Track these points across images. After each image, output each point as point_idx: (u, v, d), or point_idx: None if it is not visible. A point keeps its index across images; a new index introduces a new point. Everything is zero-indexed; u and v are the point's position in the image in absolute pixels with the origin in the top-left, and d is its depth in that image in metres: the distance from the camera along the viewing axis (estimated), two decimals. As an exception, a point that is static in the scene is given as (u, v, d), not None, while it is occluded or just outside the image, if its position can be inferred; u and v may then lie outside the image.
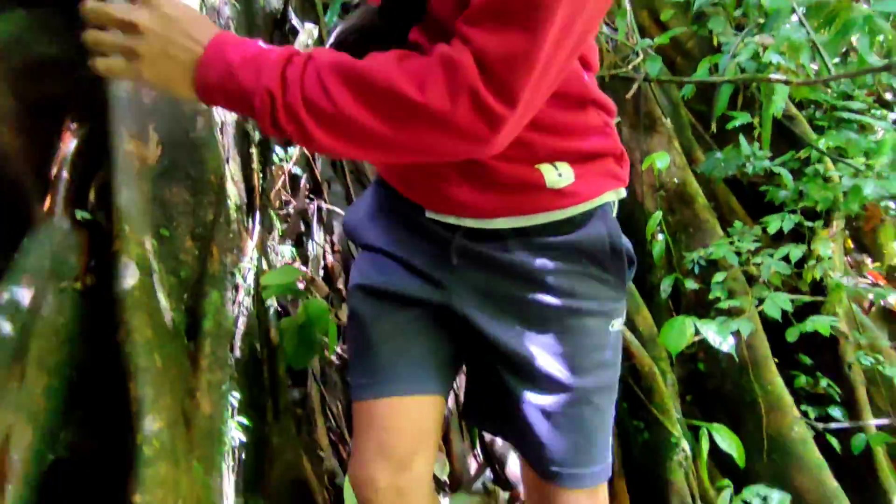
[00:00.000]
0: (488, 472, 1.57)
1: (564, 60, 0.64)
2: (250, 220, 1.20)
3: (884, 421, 1.85)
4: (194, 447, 0.83)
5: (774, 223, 1.89)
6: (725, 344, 1.63)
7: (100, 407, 0.84)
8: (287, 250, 1.65)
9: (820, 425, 1.82)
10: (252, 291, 1.11)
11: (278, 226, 1.56)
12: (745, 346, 1.78)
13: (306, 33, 1.71)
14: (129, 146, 0.91)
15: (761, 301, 1.77)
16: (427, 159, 0.71)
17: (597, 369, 0.87)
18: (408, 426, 0.88)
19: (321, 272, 1.76)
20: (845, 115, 2.10)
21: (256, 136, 1.29)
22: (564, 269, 0.83)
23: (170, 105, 0.99)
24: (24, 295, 0.82)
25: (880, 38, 1.95)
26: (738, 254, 1.86)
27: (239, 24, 1.31)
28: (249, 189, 1.21)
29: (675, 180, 2.01)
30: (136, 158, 0.91)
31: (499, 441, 1.67)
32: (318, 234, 1.80)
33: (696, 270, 1.91)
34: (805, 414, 1.84)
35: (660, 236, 1.94)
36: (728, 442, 1.63)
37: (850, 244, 2.44)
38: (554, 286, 0.83)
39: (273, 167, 1.74)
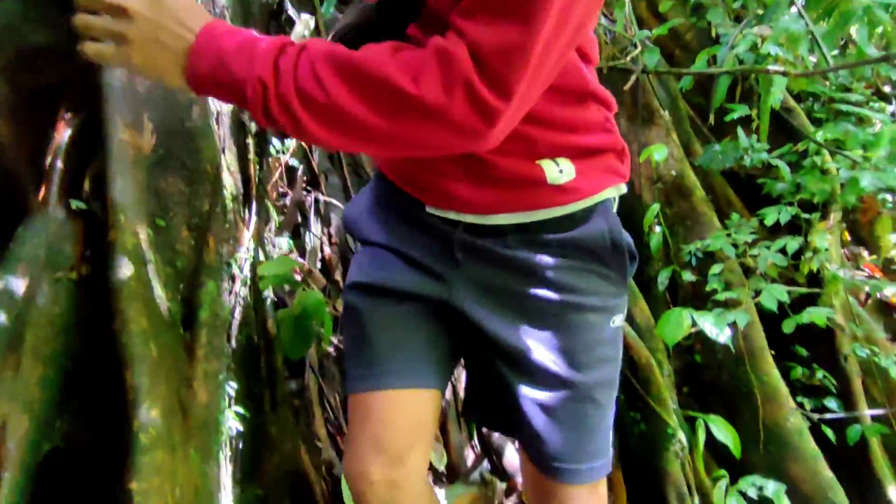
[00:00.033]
0: (485, 463, 1.58)
1: (561, 53, 0.63)
2: (247, 210, 1.19)
3: (879, 411, 1.86)
4: (191, 436, 0.83)
5: (771, 215, 1.89)
6: (722, 335, 1.63)
7: (96, 397, 0.84)
8: (284, 242, 1.64)
9: (815, 416, 1.83)
10: (249, 282, 1.11)
11: (275, 217, 1.55)
12: (741, 338, 1.78)
13: (303, 24, 1.70)
14: (124, 135, 0.91)
15: (758, 293, 1.77)
16: (422, 153, 0.70)
17: (597, 365, 0.87)
18: (403, 420, 0.87)
19: (318, 264, 1.76)
20: (843, 107, 2.10)
21: (253, 126, 1.28)
22: (565, 264, 0.82)
23: (164, 94, 0.99)
24: (19, 285, 0.82)
25: (879, 29, 1.95)
26: (735, 246, 1.86)
27: (235, 14, 1.30)
28: (246, 179, 1.21)
29: (673, 173, 2.01)
30: (131, 147, 0.91)
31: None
32: (316, 226, 1.79)
33: (694, 262, 1.91)
34: (801, 405, 1.85)
35: (657, 228, 1.94)
36: (724, 433, 1.63)
37: (847, 236, 2.45)
38: (555, 282, 0.83)
39: (270, 158, 1.73)
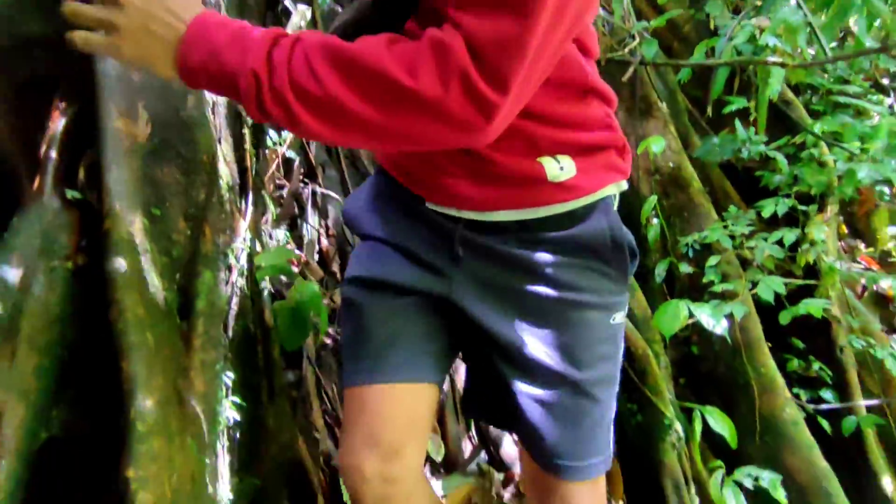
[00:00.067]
0: (483, 454, 1.58)
1: (558, 44, 0.62)
2: (243, 201, 1.19)
3: (874, 402, 1.87)
4: (188, 425, 0.83)
5: (769, 207, 1.89)
6: (719, 327, 1.64)
7: (92, 387, 0.84)
8: (281, 234, 1.64)
9: (811, 407, 1.84)
10: (245, 273, 1.10)
11: (272, 209, 1.55)
12: (738, 329, 1.79)
13: (299, 15, 1.69)
14: (119, 124, 0.90)
15: (755, 284, 1.78)
16: (418, 147, 0.69)
17: (597, 362, 0.86)
18: (399, 414, 0.87)
19: (316, 256, 1.76)
20: (842, 99, 2.10)
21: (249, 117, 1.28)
22: (566, 262, 0.82)
23: (160, 83, 0.98)
24: (15, 274, 0.82)
25: (877, 22, 1.94)
26: (732, 238, 1.86)
27: (230, 4, 1.30)
28: (242, 170, 1.21)
29: (671, 164, 2.01)
30: (126, 136, 0.91)
31: (493, 424, 1.68)
32: (313, 218, 1.79)
33: (691, 254, 1.92)
34: (797, 396, 1.86)
35: (654, 220, 1.95)
36: (720, 424, 1.64)
37: (844, 229, 2.45)
38: (555, 279, 0.82)
39: (267, 150, 1.73)
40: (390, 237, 0.90)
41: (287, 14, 1.76)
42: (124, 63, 0.74)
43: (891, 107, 2.37)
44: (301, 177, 1.80)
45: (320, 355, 1.57)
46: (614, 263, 0.84)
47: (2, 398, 0.73)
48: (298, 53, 0.61)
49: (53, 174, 0.91)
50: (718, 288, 1.82)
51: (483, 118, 0.60)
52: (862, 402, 1.86)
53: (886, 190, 2.41)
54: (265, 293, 1.23)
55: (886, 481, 1.83)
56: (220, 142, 1.11)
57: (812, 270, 1.96)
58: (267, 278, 1.24)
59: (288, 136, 1.84)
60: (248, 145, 1.24)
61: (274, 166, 1.73)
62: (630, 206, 1.99)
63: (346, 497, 1.04)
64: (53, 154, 0.93)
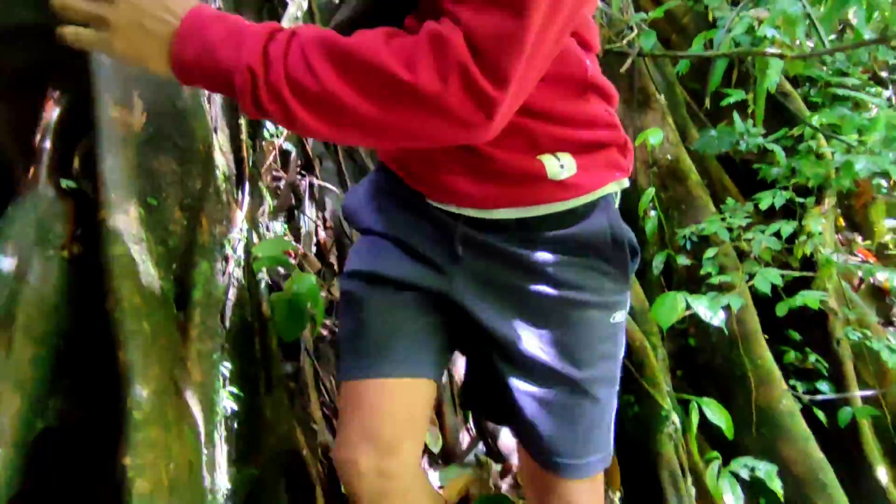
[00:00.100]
0: (481, 445, 1.59)
1: (556, 38, 0.62)
2: (240, 191, 1.19)
3: (869, 392, 1.88)
4: (185, 415, 0.83)
5: (766, 199, 1.90)
6: (716, 318, 1.64)
7: (89, 376, 0.84)
8: (278, 226, 1.64)
9: (807, 398, 1.85)
10: (242, 263, 1.10)
11: (269, 201, 1.54)
12: (735, 321, 1.80)
13: (295, 5, 1.68)
14: (114, 113, 0.89)
15: (752, 276, 1.78)
16: (418, 144, 0.68)
17: (597, 361, 0.86)
18: (396, 409, 0.86)
19: (313, 248, 1.76)
20: (840, 91, 2.09)
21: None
22: (566, 261, 0.82)
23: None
24: (9, 263, 0.81)
25: (876, 14, 1.94)
26: (730, 230, 1.87)
27: (226, -5, 1.29)
28: (238, 161, 1.20)
29: (669, 157, 2.01)
30: (121, 125, 0.90)
31: (491, 415, 1.68)
32: (310, 210, 1.79)
33: (688, 247, 1.92)
34: (793, 388, 1.87)
35: (652, 213, 1.95)
36: (717, 415, 1.65)
37: (842, 222, 2.46)
38: (555, 278, 0.82)
39: (264, 142, 1.72)
40: (390, 232, 0.89)
41: (284, 4, 1.75)
42: (116, 59, 0.72)
43: (889, 99, 2.37)
44: (298, 169, 1.79)
45: (318, 347, 1.57)
46: (614, 262, 0.84)
47: (-2, 387, 0.72)
48: (295, 48, 0.60)
49: (48, 163, 0.90)
50: (716, 280, 1.82)
51: (483, 114, 0.59)
52: (857, 393, 1.87)
53: (884, 182, 2.41)
54: (262, 284, 1.22)
55: (882, 472, 1.84)
56: (216, 132, 1.10)
57: (809, 262, 1.96)
58: (264, 270, 1.24)
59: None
60: (244, 136, 1.24)
61: (271, 158, 1.72)
62: (628, 198, 1.98)
63: (344, 489, 1.04)
64: (48, 143, 0.92)
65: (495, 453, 1.59)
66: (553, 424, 0.87)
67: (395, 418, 0.86)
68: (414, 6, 0.69)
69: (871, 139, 1.89)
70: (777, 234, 1.86)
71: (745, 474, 1.63)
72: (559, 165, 0.77)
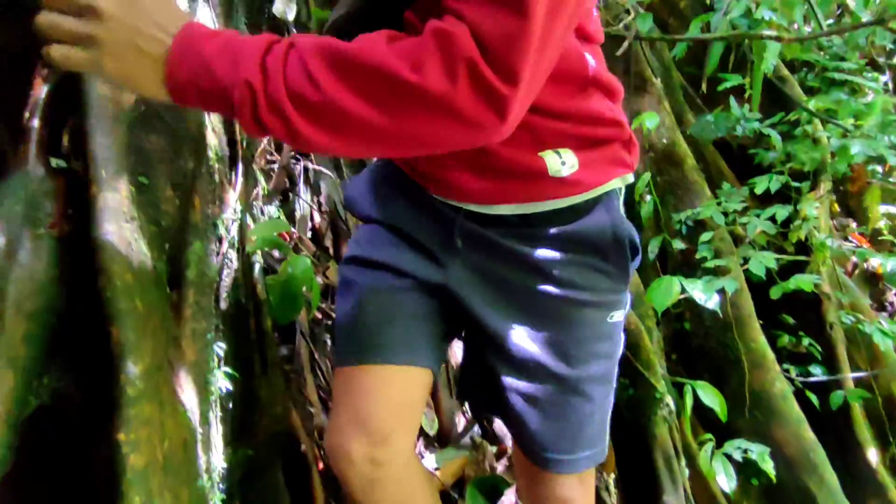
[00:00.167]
0: (476, 428, 1.60)
1: (564, 31, 0.60)
2: (233, 173, 1.18)
3: (861, 374, 1.90)
4: (179, 393, 0.83)
5: (762, 184, 1.90)
6: (711, 302, 1.65)
7: (83, 355, 0.84)
8: (273, 210, 1.63)
9: (799, 380, 1.87)
10: (236, 244, 1.10)
11: (263, 184, 1.54)
12: (729, 305, 1.81)
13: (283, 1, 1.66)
14: (104, 90, 0.88)
15: (747, 261, 1.79)
16: (430, 150, 0.64)
17: (590, 360, 0.85)
18: (390, 397, 0.85)
19: (308, 233, 1.75)
20: (837, 76, 2.09)
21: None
22: (565, 259, 0.81)
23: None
24: None
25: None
26: (725, 214, 1.87)
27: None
28: (231, 142, 1.19)
29: (665, 141, 2.01)
30: (111, 103, 0.88)
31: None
32: (305, 194, 1.78)
33: (684, 231, 1.93)
34: (787, 372, 1.89)
35: (648, 197, 1.95)
36: (711, 398, 1.66)
37: (836, 208, 2.47)
38: (553, 276, 0.81)
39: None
40: (391, 221, 0.88)
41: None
42: (108, 81, 0.68)
43: (886, 84, 2.37)
44: (292, 152, 1.78)
45: (314, 331, 1.57)
46: (614, 261, 0.83)
47: (-11, 365, 0.72)
48: (293, 58, 0.57)
49: (37, 141, 0.89)
50: (711, 264, 1.83)
51: (495, 113, 0.57)
52: (849, 375, 1.89)
53: (879, 168, 2.42)
54: (257, 267, 1.22)
55: (872, 453, 1.87)
56: (208, 112, 1.09)
57: (804, 247, 1.97)
58: (259, 253, 1.23)
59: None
60: (237, 117, 1.22)
61: (265, 141, 1.71)
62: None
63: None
64: (36, 122, 0.90)
65: (491, 436, 1.60)
66: (542, 420, 0.87)
67: (388, 406, 0.85)
68: (412, 0, 0.67)
69: (867, 124, 1.89)
70: (772, 219, 1.87)
71: (738, 456, 1.65)
72: (561, 162, 0.76)
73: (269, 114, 0.57)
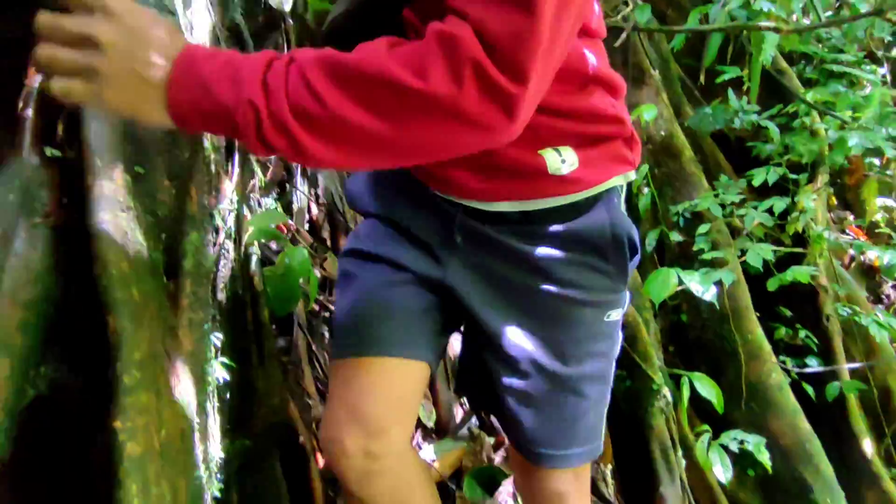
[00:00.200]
0: (474, 419, 1.60)
1: (571, 27, 0.59)
2: (229, 164, 1.17)
3: (856, 365, 1.91)
4: (176, 382, 0.82)
5: (759, 176, 1.90)
6: (708, 293, 1.66)
7: (80, 345, 0.83)
8: (270, 202, 1.63)
9: (795, 371, 1.88)
10: (233, 235, 1.09)
11: (260, 176, 1.53)
12: (726, 297, 1.81)
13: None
14: (98, 79, 0.88)
15: (744, 252, 1.80)
16: (439, 157, 0.63)
17: (586, 358, 0.85)
18: (386, 390, 0.84)
19: (306, 225, 1.75)
20: (835, 67, 2.09)
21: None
22: (563, 257, 0.81)
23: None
24: (-5, 231, 0.80)
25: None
26: (723, 206, 1.87)
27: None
28: (228, 132, 1.18)
29: (662, 133, 2.01)
30: (106, 91, 0.88)
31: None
32: (303, 186, 1.77)
33: (681, 223, 1.93)
34: (783, 364, 1.89)
35: (645, 189, 1.95)
36: (708, 389, 1.67)
37: (834, 201, 2.47)
38: (551, 274, 0.81)
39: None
40: (391, 216, 0.88)
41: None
42: (110, 111, 0.66)
43: (883, 77, 2.37)
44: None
45: (311, 323, 1.57)
46: (613, 260, 0.82)
47: (-14, 354, 0.72)
48: (294, 73, 0.56)
49: (31, 131, 0.88)
50: (708, 256, 1.83)
51: (503, 114, 0.55)
52: (845, 367, 1.90)
53: (876, 161, 2.42)
54: (254, 258, 1.22)
55: (867, 444, 1.88)
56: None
57: (801, 239, 1.98)
58: (256, 244, 1.23)
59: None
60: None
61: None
62: (622, 175, 1.98)
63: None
64: (30, 111, 0.90)
65: (488, 427, 1.61)
66: (536, 417, 0.86)
67: (385, 399, 0.84)
68: None
69: (864, 116, 1.89)
70: (770, 211, 1.87)
71: (734, 447, 1.66)
72: (561, 160, 0.75)
73: (273, 133, 0.56)
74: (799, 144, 1.94)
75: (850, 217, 2.43)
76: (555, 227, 0.80)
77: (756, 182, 1.91)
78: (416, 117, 0.56)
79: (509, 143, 0.67)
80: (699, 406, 1.76)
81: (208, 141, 1.07)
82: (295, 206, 1.73)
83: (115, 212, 0.81)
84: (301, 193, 1.75)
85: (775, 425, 1.77)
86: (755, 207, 1.87)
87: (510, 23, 0.53)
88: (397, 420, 0.85)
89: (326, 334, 1.60)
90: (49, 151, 0.89)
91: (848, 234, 2.37)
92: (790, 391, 1.81)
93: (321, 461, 1.30)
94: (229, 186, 1.11)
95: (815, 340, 1.98)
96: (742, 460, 1.71)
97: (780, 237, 1.96)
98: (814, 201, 1.92)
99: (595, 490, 1.53)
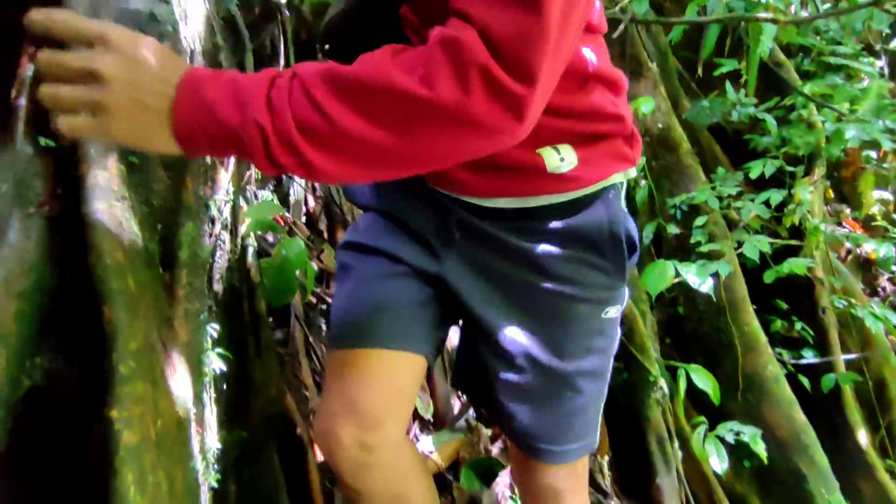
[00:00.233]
0: (471, 411, 1.61)
1: (578, 25, 0.58)
2: (225, 155, 1.17)
3: (851, 356, 1.92)
4: (172, 373, 0.82)
5: (756, 168, 1.90)
6: (704, 286, 1.66)
7: (75, 336, 0.83)
8: (267, 195, 1.62)
9: (791, 362, 1.89)
10: (229, 226, 1.09)
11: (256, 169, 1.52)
12: (723, 289, 1.82)
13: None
14: (92, 68, 0.87)
15: (741, 245, 1.80)
16: (449, 163, 0.63)
17: (583, 355, 0.85)
18: (382, 382, 0.84)
19: (303, 217, 1.74)
20: (832, 60, 2.09)
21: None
22: (561, 254, 0.80)
23: (135, 24, 0.95)
24: (-12, 221, 0.79)
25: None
26: (720, 199, 1.88)
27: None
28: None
29: (660, 126, 2.00)
30: (100, 80, 0.87)
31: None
32: (300, 178, 1.77)
33: (678, 215, 1.93)
34: (779, 356, 1.90)
35: (642, 182, 1.95)
36: (704, 381, 1.68)
37: (830, 194, 2.48)
38: (548, 270, 0.81)
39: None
40: (389, 209, 0.88)
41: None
42: (118, 143, 0.66)
43: (881, 69, 2.37)
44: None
45: (308, 315, 1.57)
46: (610, 257, 0.82)
47: (-20, 344, 0.71)
48: (298, 89, 0.56)
49: (25, 121, 0.88)
50: (705, 248, 1.83)
51: (513, 116, 0.55)
52: (841, 358, 1.91)
53: (873, 154, 2.43)
54: (251, 249, 1.21)
55: (862, 435, 1.89)
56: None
57: (797, 232, 1.98)
58: (253, 236, 1.23)
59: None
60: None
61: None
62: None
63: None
64: (23, 100, 0.89)
65: (486, 418, 1.61)
66: (532, 413, 0.86)
67: (381, 391, 0.84)
68: None
69: (862, 108, 1.89)
70: (766, 203, 1.87)
71: (730, 438, 1.67)
72: (560, 159, 0.75)
73: (281, 151, 0.56)
74: (796, 137, 1.94)
75: (847, 210, 2.43)
76: (553, 224, 0.80)
77: (753, 174, 1.91)
78: (424, 126, 0.55)
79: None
80: (695, 398, 1.77)
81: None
82: (292, 199, 1.73)
83: (109, 201, 0.81)
84: (298, 186, 1.74)
85: (771, 417, 1.78)
86: (752, 200, 1.87)
87: (516, 23, 0.52)
88: (393, 413, 0.85)
89: (323, 326, 1.60)
90: (43, 141, 0.88)
91: (844, 227, 2.38)
92: (786, 383, 1.82)
93: (318, 452, 1.30)
94: (225, 177, 1.10)
95: (811, 332, 1.99)
96: (738, 451, 1.72)
97: (777, 229, 1.96)
98: (810, 194, 1.92)
99: (592, 481, 1.54)
